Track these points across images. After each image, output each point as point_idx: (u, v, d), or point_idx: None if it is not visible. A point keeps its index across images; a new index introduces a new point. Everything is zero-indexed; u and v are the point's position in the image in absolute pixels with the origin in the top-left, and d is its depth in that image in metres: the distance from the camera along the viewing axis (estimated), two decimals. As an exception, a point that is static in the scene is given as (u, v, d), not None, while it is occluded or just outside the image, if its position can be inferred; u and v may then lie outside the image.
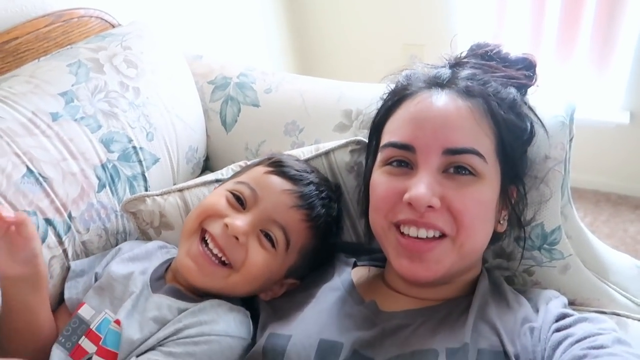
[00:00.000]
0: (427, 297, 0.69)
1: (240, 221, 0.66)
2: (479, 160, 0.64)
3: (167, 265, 0.73)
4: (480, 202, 0.64)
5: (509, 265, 0.83)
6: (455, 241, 0.64)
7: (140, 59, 0.95)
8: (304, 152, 0.88)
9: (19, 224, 0.62)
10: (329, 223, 0.74)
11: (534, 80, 0.75)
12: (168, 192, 0.85)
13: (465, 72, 0.70)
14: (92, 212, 0.81)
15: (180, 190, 0.85)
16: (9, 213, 0.61)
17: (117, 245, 0.86)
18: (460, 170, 0.64)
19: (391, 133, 0.69)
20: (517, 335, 0.62)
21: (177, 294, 0.67)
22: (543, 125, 0.74)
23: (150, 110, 0.93)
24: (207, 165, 1.11)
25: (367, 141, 0.85)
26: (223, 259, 0.66)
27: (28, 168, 0.75)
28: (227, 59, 1.16)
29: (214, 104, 1.08)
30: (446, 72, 0.71)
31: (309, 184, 0.71)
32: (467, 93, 0.67)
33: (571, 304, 0.83)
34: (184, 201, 0.85)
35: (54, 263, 0.75)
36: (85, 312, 0.67)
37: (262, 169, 0.73)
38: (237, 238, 0.65)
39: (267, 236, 0.68)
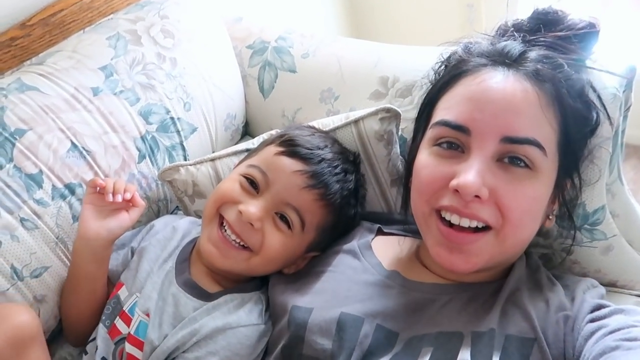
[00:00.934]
0: (457, 278, 0.67)
1: (253, 207, 0.67)
2: (538, 153, 0.59)
3: (193, 245, 0.76)
4: (532, 199, 0.61)
5: (546, 244, 0.80)
6: (498, 235, 0.61)
7: (177, 27, 0.96)
8: (334, 120, 0.87)
9: (137, 206, 0.73)
10: (346, 197, 0.73)
11: (589, 54, 0.68)
12: (200, 162, 0.87)
13: (536, 52, 0.64)
14: (134, 182, 0.86)
15: (212, 159, 0.88)
16: (139, 199, 0.74)
17: (158, 212, 0.91)
18: (516, 161, 0.60)
19: (446, 110, 0.64)
20: (550, 322, 0.60)
21: (194, 291, 0.70)
22: (608, 116, 0.68)
23: (187, 80, 0.95)
24: (247, 130, 1.13)
25: (397, 109, 0.83)
26: (242, 243, 0.69)
27: (72, 142, 0.80)
28: (267, 20, 1.14)
29: (252, 70, 1.07)
30: (515, 49, 0.64)
31: (320, 161, 0.70)
32: (537, 77, 0.61)
33: (612, 285, 0.80)
34: (215, 170, 0.87)
35: (100, 230, 0.81)
36: (122, 292, 0.71)
37: (273, 149, 0.72)
38: (251, 224, 0.67)
39: (283, 218, 0.69)
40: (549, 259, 0.81)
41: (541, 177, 0.61)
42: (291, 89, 1.03)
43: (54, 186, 0.77)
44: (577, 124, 0.63)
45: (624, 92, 0.72)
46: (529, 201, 0.60)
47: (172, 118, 0.92)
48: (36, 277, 0.73)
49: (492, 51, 0.65)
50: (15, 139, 0.76)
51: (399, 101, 0.91)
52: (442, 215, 0.62)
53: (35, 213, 0.75)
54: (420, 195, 0.65)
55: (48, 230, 0.75)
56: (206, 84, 0.97)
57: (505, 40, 0.67)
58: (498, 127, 0.59)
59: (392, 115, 0.84)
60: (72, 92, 0.83)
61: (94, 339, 0.71)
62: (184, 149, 0.93)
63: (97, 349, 0.69)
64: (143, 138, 0.88)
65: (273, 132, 0.90)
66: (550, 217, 0.67)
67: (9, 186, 0.73)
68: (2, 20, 0.93)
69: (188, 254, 0.74)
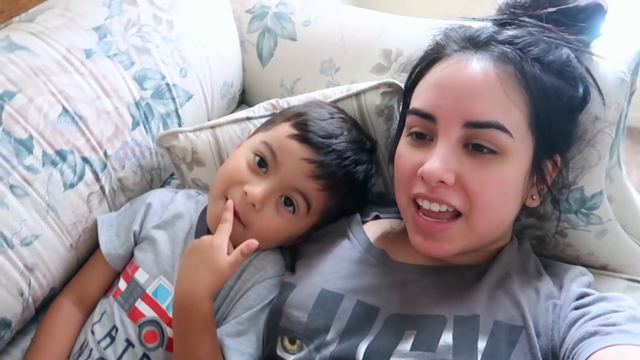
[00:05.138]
0: (442, 260, 0.68)
1: (258, 188, 0.67)
2: (503, 136, 0.60)
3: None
4: (500, 182, 0.61)
5: (541, 225, 0.80)
6: (468, 221, 0.62)
7: (175, -13, 0.92)
8: (335, 92, 0.86)
9: None
10: (353, 187, 0.73)
11: (597, 35, 0.68)
12: (200, 129, 0.85)
13: (507, 33, 0.63)
14: (127, 150, 0.83)
15: (212, 127, 0.85)
16: None
17: (151, 181, 0.89)
18: (480, 147, 0.60)
19: (416, 98, 0.66)
20: (540, 310, 0.61)
21: None
22: (599, 90, 0.68)
23: (183, 44, 0.91)
24: (244, 99, 1.10)
25: (400, 84, 0.82)
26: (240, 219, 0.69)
27: (64, 107, 0.76)
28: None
29: (250, 35, 1.04)
30: (485, 33, 0.64)
31: (330, 152, 0.69)
32: (502, 59, 0.61)
33: (603, 268, 0.81)
34: (215, 138, 0.85)
35: (92, 199, 0.79)
36: (140, 275, 0.72)
37: (287, 129, 0.71)
38: (253, 205, 0.67)
39: (288, 200, 0.69)
40: (543, 241, 0.81)
41: (509, 159, 0.61)
42: (291, 57, 1.00)
43: (44, 152, 0.74)
44: (552, 102, 0.62)
45: (630, 76, 0.71)
46: (496, 185, 0.61)
47: (167, 84, 0.88)
48: (27, 245, 0.72)
49: (463, 37, 0.66)
50: (4, 101, 0.72)
51: (401, 76, 0.89)
52: (418, 203, 0.64)
53: (25, 179, 0.72)
54: (398, 185, 0.67)
55: (38, 198, 0.73)
56: (203, 50, 0.94)
57: (497, 20, 0.67)
58: (460, 113, 0.60)
59: (394, 90, 0.83)
60: (64, 53, 0.78)
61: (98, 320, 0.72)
62: (179, 117, 0.90)
63: (117, 330, 0.70)
64: (137, 104, 0.84)
65: (272, 101, 0.87)
66: (534, 197, 0.67)
67: (-3, 151, 0.70)
68: (-13, -28, 0.88)
69: (205, 231, 0.74)
